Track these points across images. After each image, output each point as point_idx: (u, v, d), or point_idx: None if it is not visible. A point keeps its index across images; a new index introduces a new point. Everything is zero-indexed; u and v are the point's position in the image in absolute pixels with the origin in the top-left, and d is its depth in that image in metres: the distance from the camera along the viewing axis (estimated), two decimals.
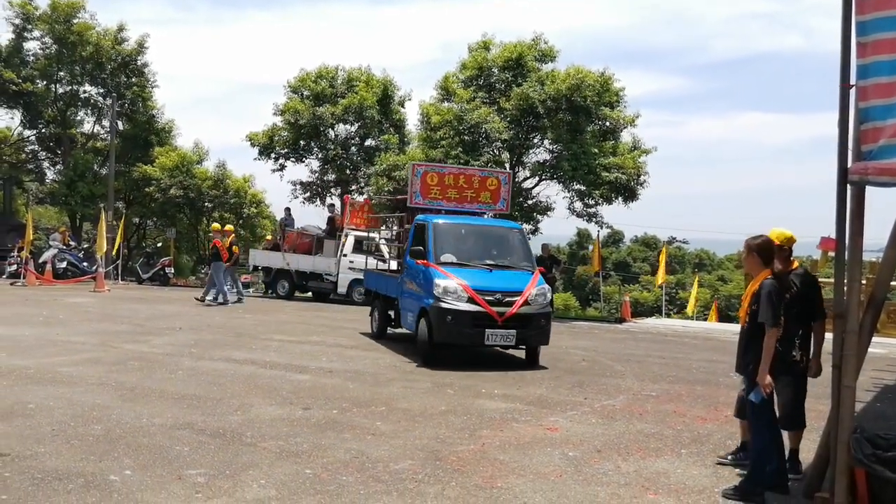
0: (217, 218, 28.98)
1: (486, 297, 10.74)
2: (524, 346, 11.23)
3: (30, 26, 28.14)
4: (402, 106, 26.79)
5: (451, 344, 11.04)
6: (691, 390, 10.03)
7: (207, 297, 18.70)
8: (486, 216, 14.49)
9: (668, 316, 26.25)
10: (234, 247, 19.21)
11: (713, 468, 6.46)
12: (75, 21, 27.89)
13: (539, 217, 22.57)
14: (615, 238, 66.35)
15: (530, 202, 22.54)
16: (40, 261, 23.52)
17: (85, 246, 27.01)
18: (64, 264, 23.72)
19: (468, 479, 5.88)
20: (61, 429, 6.77)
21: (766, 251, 5.92)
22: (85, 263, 24.38)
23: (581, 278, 54.96)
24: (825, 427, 5.93)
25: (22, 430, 6.68)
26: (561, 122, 21.04)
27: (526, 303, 10.88)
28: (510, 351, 12.91)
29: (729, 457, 6.67)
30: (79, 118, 31.35)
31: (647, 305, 41.01)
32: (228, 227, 20.99)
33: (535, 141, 22.31)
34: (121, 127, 29.91)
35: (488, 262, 11.53)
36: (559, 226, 25.24)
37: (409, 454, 6.51)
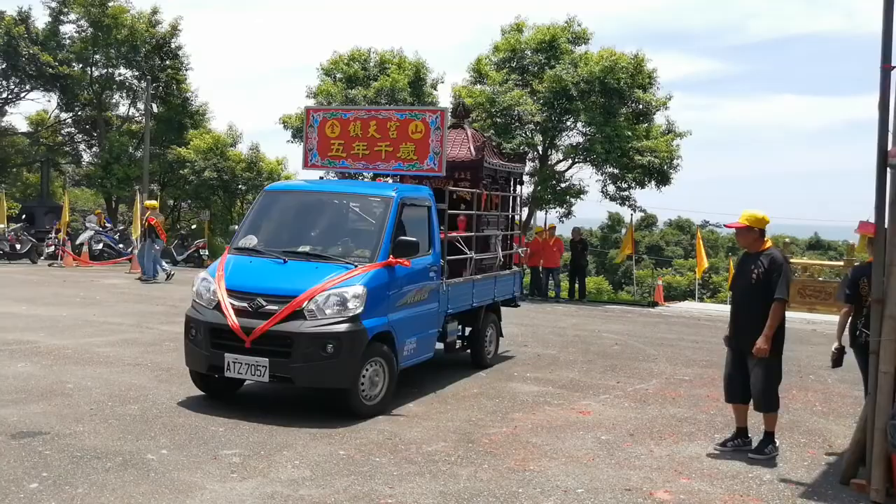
0: (251, 200, 29.26)
1: (237, 303, 6.92)
2: (290, 383, 6.99)
3: (66, 9, 28.38)
4: (435, 88, 26.65)
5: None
6: None
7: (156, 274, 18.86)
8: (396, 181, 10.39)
9: (702, 300, 25.98)
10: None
11: (747, 455, 6.38)
12: (110, 4, 28.08)
13: (572, 200, 22.39)
14: (648, 222, 65.70)
15: (563, 185, 22.38)
16: (77, 242, 23.88)
17: (120, 228, 27.33)
18: (100, 246, 24.06)
19: (500, 462, 5.88)
20: (99, 408, 6.89)
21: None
22: (120, 245, 24.70)
23: (613, 262, 54.61)
24: (861, 413, 5.85)
25: (61, 409, 6.81)
26: (594, 105, 20.81)
27: (296, 314, 6.74)
28: (548, 332, 12.87)
29: (729, 444, 6.56)
30: (114, 101, 31.65)
31: (680, 289, 40.58)
32: (149, 203, 20.76)
33: (568, 123, 22.07)
34: (155, 109, 30.14)
35: (303, 248, 7.61)
36: (592, 209, 24.95)
37: (441, 436, 6.53)
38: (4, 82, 28.50)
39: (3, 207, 26.34)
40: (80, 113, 30.91)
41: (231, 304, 6.94)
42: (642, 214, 47.72)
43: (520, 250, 11.62)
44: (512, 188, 11.06)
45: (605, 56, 20.70)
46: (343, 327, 6.78)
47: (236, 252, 7.72)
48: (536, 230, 21.01)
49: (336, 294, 6.86)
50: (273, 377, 6.78)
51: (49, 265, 22.05)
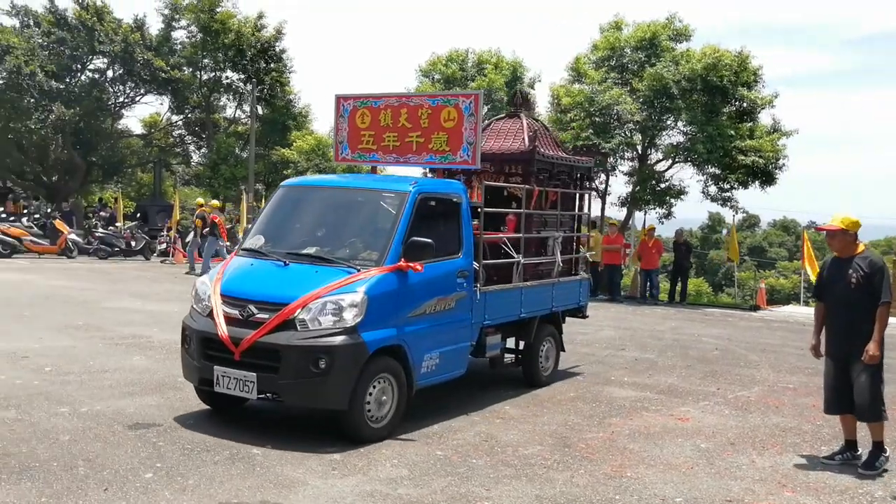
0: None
1: (229, 310, 6.33)
2: (279, 400, 6.30)
3: (177, 16, 29.76)
4: (532, 88, 26.60)
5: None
6: None
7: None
8: (432, 174, 10.05)
9: (807, 304, 24.90)
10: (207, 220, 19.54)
11: (857, 469, 6.10)
12: (218, 10, 29.26)
13: (672, 201, 21.92)
14: (750, 222, 63.65)
15: (663, 185, 21.93)
16: (187, 240, 24.98)
17: (228, 227, 28.40)
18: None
19: (597, 468, 5.84)
20: None
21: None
22: (228, 243, 25.71)
23: (714, 263, 53.07)
24: None
25: (173, 401, 7.15)
26: (696, 104, 20.33)
27: (287, 324, 6.07)
28: (646, 335, 12.64)
29: (837, 457, 6.28)
30: (221, 103, 33.02)
31: (783, 293, 39.13)
32: (213, 202, 21.40)
33: (669, 123, 21.64)
34: (260, 112, 31.20)
35: (309, 249, 6.86)
36: (692, 209, 24.34)
37: (537, 439, 6.52)
38: (121, 87, 30.09)
39: (121, 206, 27.88)
40: (189, 115, 32.30)
41: (224, 311, 6.31)
42: (744, 215, 46.13)
43: (587, 254, 10.60)
44: (577, 185, 9.97)
45: (707, 53, 20.19)
46: (337, 340, 6.00)
47: (242, 253, 7.09)
48: (643, 232, 20.52)
49: (332, 302, 6.10)
50: (261, 394, 6.11)
51: (161, 262, 23.17)
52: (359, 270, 6.37)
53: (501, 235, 8.48)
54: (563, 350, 9.40)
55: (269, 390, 6.08)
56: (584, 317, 10.12)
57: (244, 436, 6.19)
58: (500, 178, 9.04)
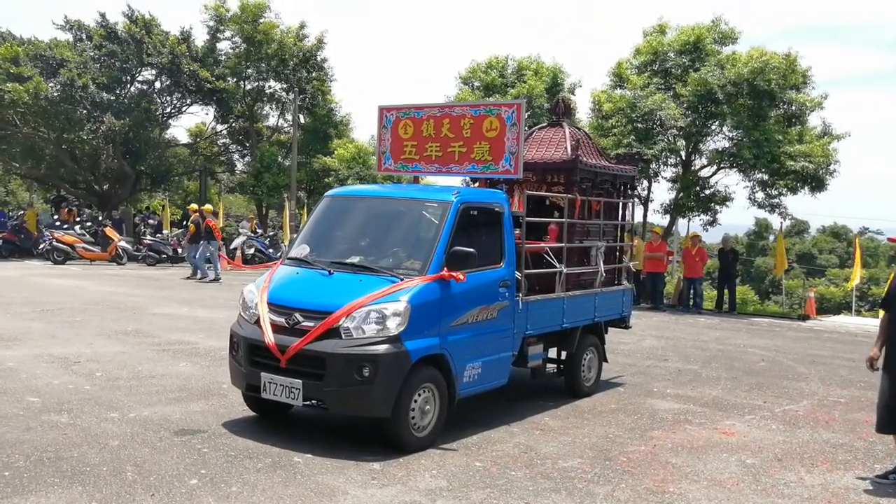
0: None
1: (276, 318, 6.46)
2: (324, 408, 6.33)
3: (222, 27, 30.23)
4: (573, 94, 26.44)
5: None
6: None
7: (210, 276, 19.44)
8: (474, 184, 10.11)
9: (859, 314, 24.35)
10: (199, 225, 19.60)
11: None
12: (262, 21, 29.69)
13: (717, 207, 21.58)
14: (799, 228, 62.35)
15: (707, 192, 21.61)
16: (231, 247, 25.36)
17: (270, 234, 28.78)
18: (252, 250, 25.45)
19: (638, 482, 5.77)
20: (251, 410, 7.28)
21: None
22: (270, 250, 26.02)
23: (760, 271, 52.12)
24: None
25: (217, 408, 7.26)
26: (742, 108, 19.98)
27: (332, 332, 6.18)
28: (690, 345, 12.47)
29: (891, 476, 6.09)
30: (264, 112, 33.42)
31: (834, 302, 38.23)
32: (206, 207, 21.39)
33: (714, 128, 21.28)
34: (302, 120, 31.55)
35: (353, 258, 6.94)
36: (738, 215, 23.93)
37: (577, 452, 6.47)
38: (168, 97, 30.66)
39: (168, 214, 28.43)
40: (233, 125, 32.78)
41: (270, 319, 6.44)
42: (792, 221, 45.24)
43: (632, 264, 10.32)
44: (620, 194, 9.92)
45: (754, 56, 19.82)
46: (381, 349, 6.08)
47: (288, 262, 7.21)
48: (686, 240, 20.26)
49: (376, 310, 6.17)
50: (307, 401, 6.21)
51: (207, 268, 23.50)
52: (402, 280, 6.43)
53: (543, 245, 8.48)
54: (606, 361, 9.33)
55: (314, 397, 6.17)
56: (627, 327, 10.09)
57: (286, 443, 6.26)
58: (543, 188, 9.06)
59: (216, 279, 19.50)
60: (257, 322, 6.54)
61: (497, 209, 7.42)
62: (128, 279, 18.71)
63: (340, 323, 6.15)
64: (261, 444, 6.24)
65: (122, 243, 22.87)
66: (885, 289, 6.42)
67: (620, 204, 9.87)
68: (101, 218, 26.49)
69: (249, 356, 6.52)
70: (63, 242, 21.91)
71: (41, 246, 22.82)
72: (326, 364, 6.09)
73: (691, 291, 19.17)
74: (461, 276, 6.57)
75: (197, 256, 19.70)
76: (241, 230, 26.90)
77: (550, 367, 8.76)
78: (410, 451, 6.18)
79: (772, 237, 51.83)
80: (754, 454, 6.67)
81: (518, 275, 7.54)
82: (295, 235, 8.28)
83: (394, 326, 6.15)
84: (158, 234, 25.56)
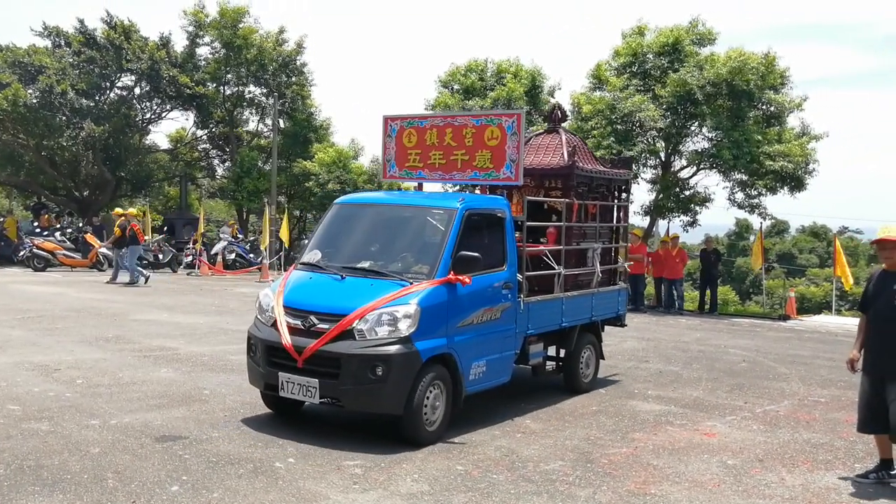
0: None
1: (292, 321, 6.79)
2: (339, 405, 6.68)
3: (201, 33, 30.08)
4: (552, 96, 26.52)
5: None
6: None
7: (127, 279, 18.88)
8: (475, 190, 10.42)
9: (839, 313, 24.55)
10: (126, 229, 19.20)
11: (892, 488, 6.00)
12: (241, 26, 29.57)
13: (697, 208, 21.72)
14: (779, 228, 62.85)
15: (687, 193, 21.75)
16: (212, 252, 25.22)
17: (251, 238, 28.65)
18: (233, 256, 25.33)
19: (620, 485, 5.79)
20: (232, 415, 7.26)
21: None
22: (251, 255, 25.92)
23: (741, 271, 52.51)
24: None
25: (199, 414, 7.22)
26: (721, 109, 20.14)
27: (346, 334, 6.51)
28: (671, 346, 12.54)
29: (871, 475, 6.14)
30: (244, 117, 33.27)
31: (814, 301, 38.57)
32: (131, 210, 21.13)
33: (693, 129, 21.44)
34: (282, 125, 31.43)
35: (362, 263, 7.27)
36: (718, 215, 24.07)
37: (559, 454, 6.49)
38: (148, 103, 30.48)
39: (149, 220, 28.24)
40: (214, 130, 32.64)
41: (287, 321, 6.77)
42: (772, 221, 45.63)
43: (626, 265, 10.76)
44: (614, 197, 10.28)
45: (732, 57, 19.97)
46: (393, 349, 6.42)
47: (300, 267, 7.51)
48: (663, 239, 20.35)
49: (387, 313, 6.52)
50: (323, 399, 6.55)
51: (187, 274, 23.42)
52: (411, 283, 6.79)
53: (543, 248, 8.77)
54: (603, 358, 9.63)
55: (330, 395, 6.53)
56: (623, 325, 10.48)
57: (267, 449, 6.25)
58: (541, 192, 9.35)
59: (132, 283, 18.81)
60: (274, 325, 6.86)
61: (499, 215, 7.77)
62: (109, 286, 18.57)
63: (354, 325, 6.49)
64: (242, 449, 6.22)
65: (103, 250, 22.68)
66: (863, 290, 6.46)
67: (615, 207, 10.21)
68: (81, 225, 26.27)
69: (267, 357, 6.86)
70: (43, 249, 21.72)
71: (21, 253, 22.60)
72: (342, 364, 6.44)
73: (672, 293, 19.22)
74: (467, 280, 6.92)
75: (127, 261, 19.06)
76: (221, 235, 26.72)
77: (550, 364, 9.04)
78: (424, 445, 6.51)
79: (752, 237, 52.22)
80: (735, 455, 6.71)
81: (519, 277, 7.86)
82: (306, 241, 8.59)
83: (405, 328, 6.48)
84: None
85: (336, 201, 8.31)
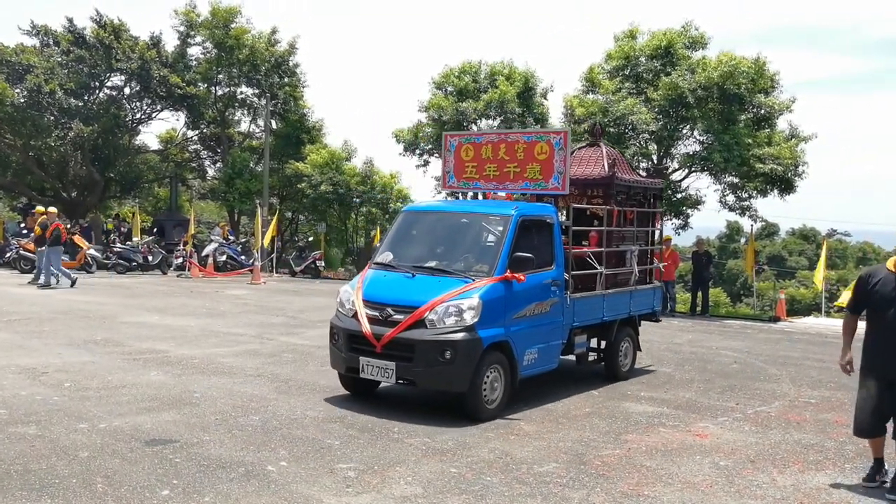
0: (366, 213, 30.05)
1: (371, 312, 7.81)
2: (414, 385, 7.85)
3: (193, 33, 29.93)
4: (545, 98, 26.55)
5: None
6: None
7: (41, 280, 18.29)
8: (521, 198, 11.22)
9: (829, 315, 24.65)
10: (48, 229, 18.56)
11: (882, 488, 5.99)
12: (233, 26, 29.46)
13: (689, 211, 21.78)
14: (769, 231, 63.12)
15: (679, 195, 21.80)
16: (203, 254, 25.09)
17: (243, 240, 28.54)
18: (224, 257, 25.19)
19: (613, 486, 5.78)
20: (223, 418, 7.21)
21: None
22: (242, 257, 25.80)
23: (732, 273, 52.71)
24: None
25: (189, 417, 7.17)
26: (712, 112, 20.21)
27: (419, 324, 7.51)
28: (663, 348, 12.55)
29: (877, 477, 6.06)
30: (236, 118, 33.13)
31: (804, 303, 38.74)
32: (52, 209, 20.20)
33: (685, 132, 21.50)
34: (274, 126, 31.34)
35: (430, 263, 8.32)
36: (709, 218, 24.15)
37: (553, 456, 6.47)
38: (138, 103, 30.31)
39: (138, 221, 28.09)
40: (205, 130, 32.49)
41: (366, 313, 7.80)
42: (763, 224, 45.92)
43: (660, 265, 11.68)
44: (650, 204, 11.22)
45: (724, 61, 20.05)
46: (459, 336, 7.42)
47: (375, 267, 8.52)
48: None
49: (454, 305, 7.51)
50: (399, 379, 7.62)
51: (178, 276, 23.30)
52: (473, 280, 7.84)
53: (586, 250, 9.81)
54: (640, 349, 10.69)
55: (405, 377, 7.60)
56: (658, 320, 11.60)
57: (259, 452, 6.20)
58: (584, 200, 10.36)
59: (46, 285, 18.14)
60: (354, 316, 7.92)
61: (549, 220, 8.85)
62: (97, 287, 18.46)
63: (426, 315, 7.50)
64: (234, 453, 6.17)
65: (92, 251, 22.56)
66: (853, 290, 6.38)
67: (651, 213, 11.22)
68: (69, 226, 26.11)
69: (349, 343, 7.90)
70: (30, 251, 21.56)
71: (7, 255, 22.46)
72: (415, 349, 7.48)
73: (665, 295, 19.23)
74: (521, 277, 7.92)
75: (44, 261, 18.30)
76: (212, 237, 26.61)
77: (592, 355, 10.03)
78: (484, 421, 7.46)
79: (743, 240, 52.43)
80: (727, 456, 6.71)
81: (566, 275, 8.92)
82: (378, 244, 9.62)
83: (469, 318, 7.49)
84: (128, 242, 25.24)
85: (403, 209, 9.46)
